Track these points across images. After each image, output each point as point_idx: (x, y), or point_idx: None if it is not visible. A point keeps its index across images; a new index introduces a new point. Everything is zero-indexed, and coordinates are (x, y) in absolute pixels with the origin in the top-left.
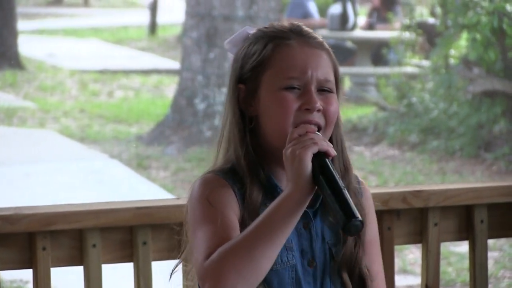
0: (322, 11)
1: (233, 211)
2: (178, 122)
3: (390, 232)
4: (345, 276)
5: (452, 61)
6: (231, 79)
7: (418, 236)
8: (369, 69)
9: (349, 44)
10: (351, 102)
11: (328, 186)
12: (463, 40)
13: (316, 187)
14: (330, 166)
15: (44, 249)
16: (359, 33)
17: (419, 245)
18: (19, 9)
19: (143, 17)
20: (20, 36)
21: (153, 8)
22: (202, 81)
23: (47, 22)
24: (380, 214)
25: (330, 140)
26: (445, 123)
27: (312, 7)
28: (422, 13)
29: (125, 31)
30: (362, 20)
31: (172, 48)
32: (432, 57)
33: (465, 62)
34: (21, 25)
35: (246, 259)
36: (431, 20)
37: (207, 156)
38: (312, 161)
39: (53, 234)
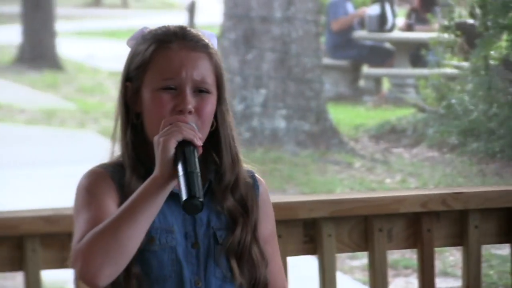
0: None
1: (110, 199)
2: None
3: (429, 234)
4: (233, 262)
5: (492, 62)
6: (121, 77)
7: (458, 238)
8: (408, 71)
9: (387, 45)
10: (390, 104)
11: (181, 169)
12: (504, 41)
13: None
14: (189, 153)
15: None
16: (397, 34)
17: (460, 247)
18: (58, 10)
19: (181, 19)
20: (59, 37)
21: (191, 10)
22: (240, 82)
23: (86, 23)
24: (419, 216)
25: (218, 138)
26: (485, 125)
27: (350, 8)
28: (461, 14)
29: None
30: (400, 21)
31: None
32: (471, 58)
33: (506, 63)
34: (60, 26)
35: (112, 239)
36: (470, 21)
37: (245, 157)
38: (176, 148)
39: None
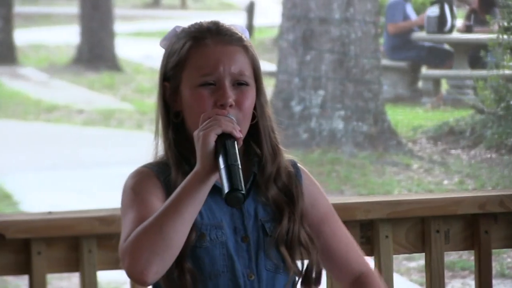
0: (418, 13)
1: (157, 198)
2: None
3: (487, 236)
4: (283, 250)
5: None
6: (159, 77)
7: None
8: (467, 72)
9: (446, 46)
10: (448, 105)
11: (222, 162)
12: None
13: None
14: (229, 145)
15: None
16: (456, 35)
17: None
18: (116, 11)
19: (240, 19)
20: (117, 38)
21: (250, 11)
22: (298, 83)
23: (144, 24)
24: (477, 217)
25: (258, 130)
26: None
27: (409, 9)
28: None
29: None
30: (459, 22)
31: (268, 50)
32: None
33: None
34: (118, 27)
35: (158, 235)
36: None
37: (303, 158)
38: (216, 141)
39: None
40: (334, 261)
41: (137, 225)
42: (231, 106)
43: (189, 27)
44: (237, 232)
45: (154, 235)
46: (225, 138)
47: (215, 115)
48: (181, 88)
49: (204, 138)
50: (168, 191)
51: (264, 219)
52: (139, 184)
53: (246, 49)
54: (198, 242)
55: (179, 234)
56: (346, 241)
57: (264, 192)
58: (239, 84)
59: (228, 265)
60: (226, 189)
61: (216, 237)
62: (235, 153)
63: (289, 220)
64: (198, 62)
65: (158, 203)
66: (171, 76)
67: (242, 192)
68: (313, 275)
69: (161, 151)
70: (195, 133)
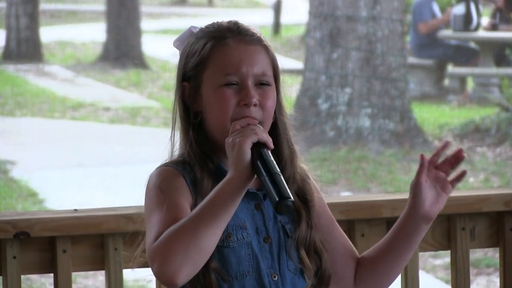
0: (443, 10)
1: (184, 197)
2: (301, 122)
3: None
4: (302, 253)
5: None
6: (177, 77)
7: None
8: (492, 70)
9: (472, 44)
10: (474, 103)
11: (264, 171)
12: None
13: (256, 174)
14: (268, 154)
15: None
16: (482, 33)
17: None
18: (143, 9)
19: (267, 17)
20: (144, 36)
21: (277, 8)
22: (325, 81)
23: (171, 22)
24: (502, 215)
25: (276, 128)
26: None
27: (435, 7)
28: None
29: None
30: (485, 20)
31: (295, 48)
32: None
33: None
34: (145, 24)
35: (191, 238)
36: None
37: (330, 156)
38: (252, 150)
39: None
40: (346, 259)
41: (167, 225)
42: (255, 105)
43: (207, 27)
44: (259, 233)
45: (189, 238)
46: (259, 147)
47: (247, 124)
48: (202, 88)
49: (240, 146)
50: (194, 189)
51: (283, 220)
52: (166, 183)
53: (266, 49)
54: (226, 241)
55: (212, 239)
56: (346, 237)
57: None
58: (261, 84)
59: (253, 265)
60: (276, 197)
61: (242, 237)
62: (274, 162)
63: (308, 225)
64: (220, 62)
65: (186, 203)
66: (192, 77)
67: (291, 199)
68: (324, 279)
69: (176, 150)
70: (228, 140)
